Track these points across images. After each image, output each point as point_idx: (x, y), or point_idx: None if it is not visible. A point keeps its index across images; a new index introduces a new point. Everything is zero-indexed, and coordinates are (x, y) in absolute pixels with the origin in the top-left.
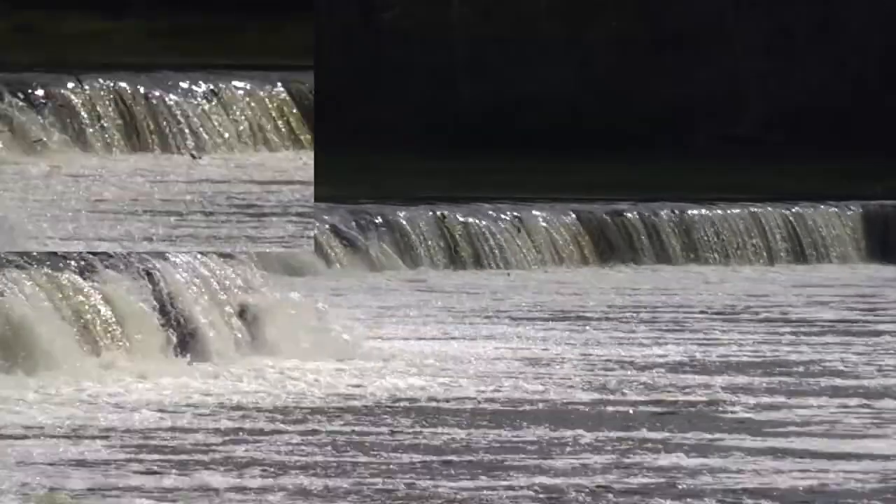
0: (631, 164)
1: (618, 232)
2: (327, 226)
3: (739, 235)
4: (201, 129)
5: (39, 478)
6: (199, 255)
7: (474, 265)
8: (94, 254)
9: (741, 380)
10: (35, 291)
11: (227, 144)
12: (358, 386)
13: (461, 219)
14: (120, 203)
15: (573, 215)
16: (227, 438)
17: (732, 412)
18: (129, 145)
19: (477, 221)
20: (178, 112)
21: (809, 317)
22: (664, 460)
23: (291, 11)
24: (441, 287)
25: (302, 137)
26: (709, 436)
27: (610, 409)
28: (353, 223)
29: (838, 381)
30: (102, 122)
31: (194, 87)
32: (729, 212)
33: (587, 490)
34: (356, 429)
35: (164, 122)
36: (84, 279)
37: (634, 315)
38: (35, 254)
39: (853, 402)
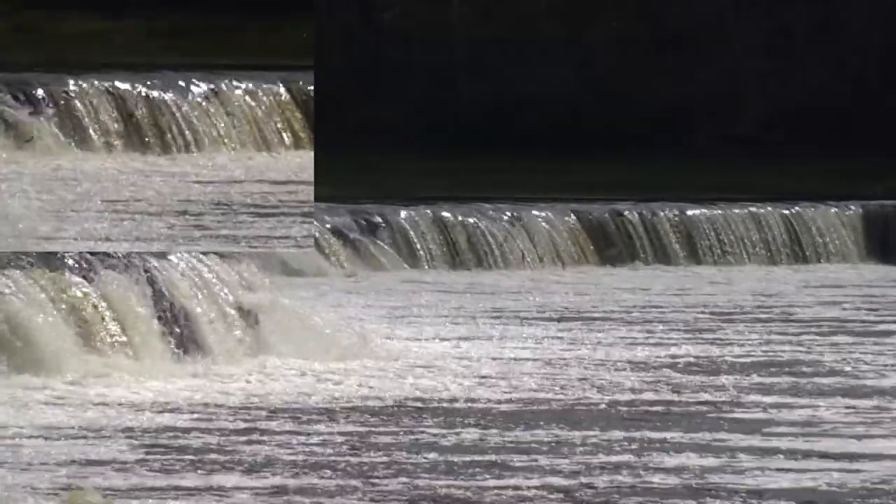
0: (631, 164)
1: (618, 232)
2: (327, 226)
3: (739, 235)
4: (201, 129)
5: (54, 477)
6: (199, 255)
7: (474, 265)
8: (94, 254)
9: (750, 380)
10: (35, 291)
11: (226, 144)
12: (365, 386)
13: (461, 219)
14: (120, 203)
15: (573, 215)
16: (240, 438)
17: (743, 412)
18: (129, 145)
19: (477, 221)
20: (178, 112)
21: (812, 317)
22: (675, 460)
23: (291, 11)
24: (442, 287)
25: (302, 137)
26: (719, 436)
27: (622, 409)
28: (353, 223)
29: (843, 382)
30: (102, 121)
31: (194, 87)
32: (729, 212)
33: (598, 490)
34: (369, 429)
35: (164, 122)
36: (84, 279)
37: (642, 315)
38: (35, 254)
39: (858, 402)
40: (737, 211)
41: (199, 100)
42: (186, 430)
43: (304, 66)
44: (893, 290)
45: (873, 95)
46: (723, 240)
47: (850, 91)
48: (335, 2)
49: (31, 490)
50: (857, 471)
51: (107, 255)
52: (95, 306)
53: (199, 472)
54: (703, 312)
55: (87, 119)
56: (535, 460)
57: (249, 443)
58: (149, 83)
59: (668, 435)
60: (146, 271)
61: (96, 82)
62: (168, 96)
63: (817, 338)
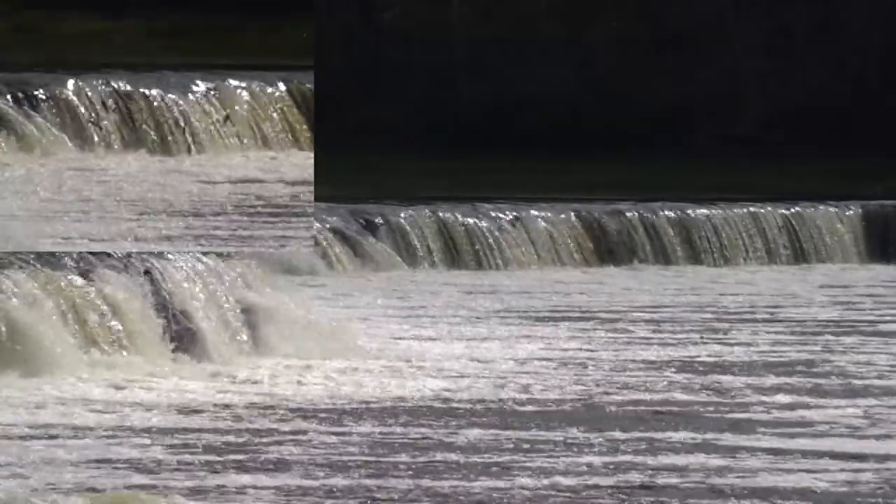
0: (631, 164)
1: (618, 232)
2: (327, 226)
3: (739, 235)
4: (201, 129)
5: (61, 477)
6: (199, 255)
7: (474, 265)
8: (94, 254)
9: (757, 380)
10: (35, 291)
11: (226, 144)
12: (368, 386)
13: (461, 219)
14: (120, 203)
15: (573, 215)
16: (241, 438)
17: (750, 412)
18: (129, 145)
19: (477, 221)
20: (178, 112)
21: (813, 317)
22: (685, 460)
23: (291, 11)
24: (443, 287)
25: (302, 137)
26: (727, 436)
27: (630, 409)
28: (353, 223)
29: (847, 382)
30: (102, 121)
31: (194, 87)
32: (729, 212)
33: (606, 490)
34: (380, 429)
35: (164, 122)
36: (84, 279)
37: (644, 315)
38: (35, 254)
39: (863, 402)
40: (737, 211)
41: (199, 100)
42: (187, 430)
43: (304, 66)
44: (894, 290)
45: (873, 95)
46: (723, 240)
47: (850, 91)
48: (335, 2)
49: (35, 490)
50: (864, 471)
51: (107, 255)
52: (95, 306)
53: (201, 472)
54: (705, 313)
55: (87, 119)
56: (547, 461)
57: (251, 443)
58: (149, 83)
59: (676, 435)
60: (146, 271)
61: (96, 82)
62: (168, 96)
63: (819, 338)
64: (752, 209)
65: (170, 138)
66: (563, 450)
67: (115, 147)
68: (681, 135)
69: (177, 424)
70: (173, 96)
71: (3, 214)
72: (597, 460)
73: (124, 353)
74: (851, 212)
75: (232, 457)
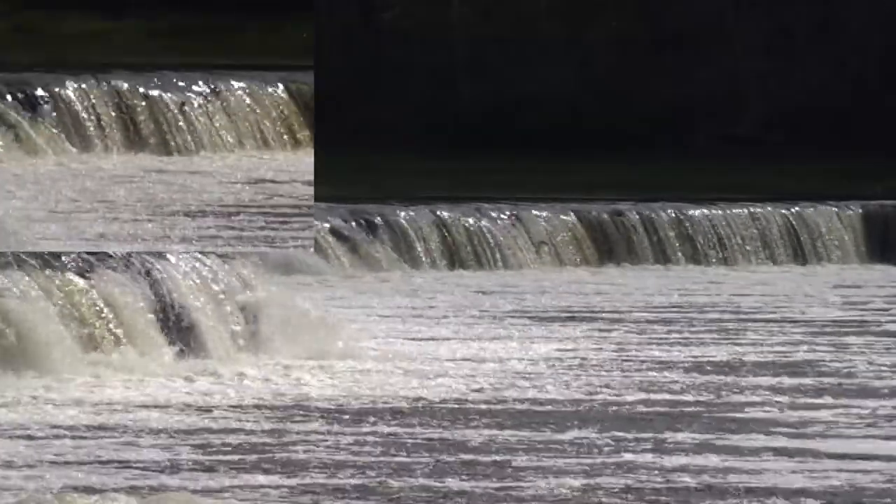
0: (631, 164)
1: (618, 232)
2: (327, 226)
3: (739, 235)
4: (201, 128)
5: (65, 477)
6: (198, 255)
7: (474, 265)
8: (94, 254)
9: (763, 380)
10: (35, 291)
11: (226, 144)
12: (369, 386)
13: (461, 219)
14: (119, 203)
15: (573, 215)
16: (243, 438)
17: (757, 412)
18: (129, 145)
19: (477, 221)
20: (178, 112)
21: (815, 317)
22: (693, 460)
23: (291, 11)
24: (444, 287)
25: (302, 137)
26: (734, 436)
27: (638, 409)
28: (353, 223)
29: (850, 382)
30: (102, 121)
31: (194, 87)
32: (729, 212)
33: (614, 490)
34: (387, 429)
35: (164, 122)
36: (84, 279)
37: (651, 315)
38: (35, 254)
39: (870, 402)
40: (737, 211)
41: (198, 100)
42: (188, 431)
43: (304, 66)
44: (894, 290)
45: (873, 95)
46: (723, 240)
47: (850, 91)
48: (335, 2)
49: (40, 491)
50: (871, 471)
51: (107, 255)
52: (95, 306)
53: (218, 472)
54: (708, 313)
55: (86, 119)
56: (557, 461)
57: (254, 442)
58: (149, 83)
59: (685, 435)
60: (146, 271)
61: (96, 82)
62: (168, 96)
63: (824, 338)
64: (752, 209)
65: (169, 138)
66: (579, 450)
67: (115, 147)
68: (681, 135)
69: (184, 425)
70: (173, 96)
71: (3, 214)
72: (607, 461)
73: (124, 353)
74: (851, 212)
75: (247, 457)
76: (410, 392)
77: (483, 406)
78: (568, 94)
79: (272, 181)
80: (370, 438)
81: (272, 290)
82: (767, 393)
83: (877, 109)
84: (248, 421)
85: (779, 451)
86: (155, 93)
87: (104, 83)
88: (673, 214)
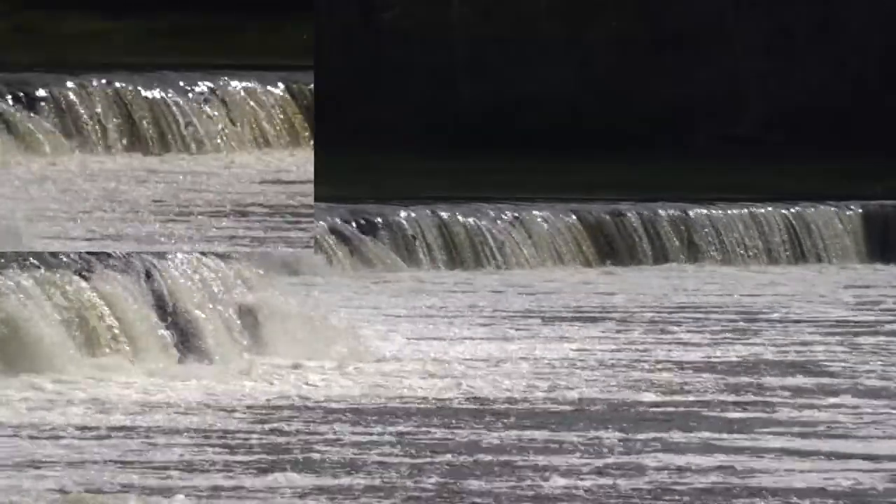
0: (631, 164)
1: (618, 232)
2: (327, 226)
3: (739, 235)
4: (201, 129)
5: (63, 478)
6: (199, 255)
7: (474, 265)
8: (94, 254)
9: (769, 381)
10: (35, 291)
11: (226, 144)
12: (369, 386)
13: (461, 219)
14: (119, 203)
15: (573, 215)
16: (244, 439)
17: (764, 413)
18: (129, 145)
19: (477, 221)
20: (178, 112)
21: (816, 317)
22: (702, 460)
23: (291, 11)
24: (444, 287)
25: (302, 137)
26: (743, 436)
27: (647, 409)
28: (353, 223)
29: (853, 382)
30: (102, 122)
31: (194, 87)
32: (729, 212)
33: (621, 491)
34: (398, 430)
35: (164, 122)
36: (84, 279)
37: (655, 316)
38: (35, 254)
39: (875, 402)
40: (737, 211)
41: (199, 100)
42: (188, 431)
43: (304, 66)
44: (894, 290)
45: (873, 95)
46: (723, 240)
47: (850, 91)
48: (335, 2)
49: (45, 490)
50: (867, 471)
51: (107, 255)
52: (95, 306)
53: (235, 472)
54: (712, 313)
55: (87, 119)
56: (568, 461)
57: (255, 443)
58: (149, 83)
59: (694, 435)
60: (146, 271)
61: (96, 82)
62: (168, 96)
63: (823, 338)
64: (752, 209)
65: (169, 138)
66: (589, 450)
67: (115, 147)
68: (681, 135)
69: (185, 425)
70: (173, 96)
71: (4, 214)
72: (620, 461)
73: (124, 353)
74: (851, 212)
75: (252, 457)
76: (422, 392)
77: (497, 406)
78: (568, 94)
79: (272, 181)
80: (386, 438)
81: (272, 291)
82: (779, 393)
83: (877, 109)
84: (251, 421)
85: (790, 452)
86: (155, 93)
87: (104, 83)
88: (673, 214)
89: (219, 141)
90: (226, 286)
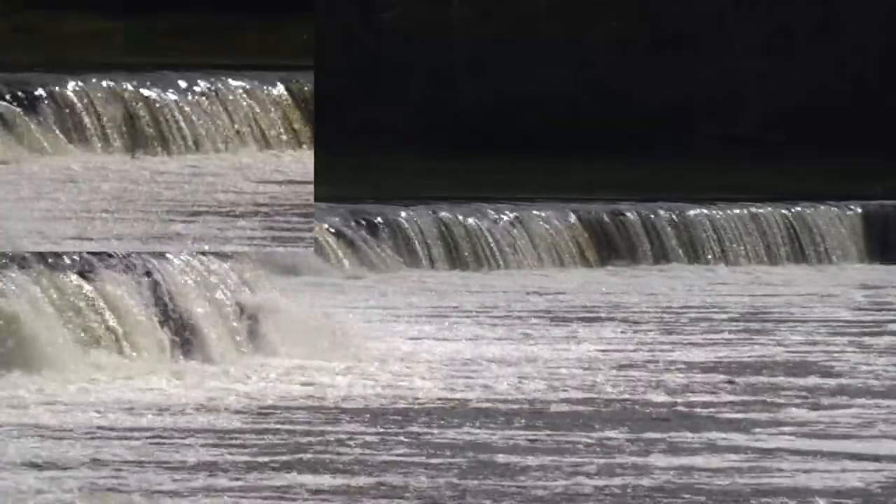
0: (631, 164)
1: (618, 232)
2: (327, 226)
3: (739, 235)
4: (201, 129)
5: (65, 478)
6: (199, 255)
7: (474, 265)
8: (94, 254)
9: (773, 381)
10: (35, 291)
11: (226, 144)
12: (368, 386)
13: (461, 219)
14: (120, 203)
15: (573, 215)
16: (247, 438)
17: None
18: (129, 145)
19: (477, 221)
20: (178, 112)
21: (816, 317)
22: (711, 460)
23: (291, 11)
24: (445, 287)
25: (302, 137)
26: (750, 437)
27: (655, 410)
28: (353, 223)
29: (854, 382)
30: (102, 122)
31: (194, 87)
32: (729, 212)
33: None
34: (407, 430)
35: (164, 122)
36: (84, 279)
37: (658, 316)
38: (35, 254)
39: (880, 402)
40: (737, 211)
41: (199, 100)
42: (189, 430)
43: (304, 66)
44: (894, 290)
45: (873, 95)
46: (723, 240)
47: (850, 91)
48: (335, 2)
49: (46, 491)
50: (884, 471)
51: (107, 255)
52: (95, 306)
53: (208, 472)
54: (714, 313)
55: (87, 119)
56: (577, 461)
57: (258, 443)
58: (149, 83)
59: (703, 436)
60: (146, 271)
61: (96, 82)
62: (168, 96)
63: (825, 338)
64: (752, 209)
65: (169, 138)
66: (597, 450)
67: (115, 147)
68: (681, 135)
69: (186, 425)
70: (173, 96)
71: (4, 214)
72: (628, 461)
73: (124, 353)
74: (851, 212)
75: (257, 458)
76: (431, 393)
77: (507, 406)
78: (568, 94)
79: (272, 181)
80: (399, 439)
81: (273, 291)
82: (787, 394)
83: (877, 109)
84: (254, 421)
85: (800, 453)
86: (155, 93)
87: (104, 83)
88: (673, 214)
89: (218, 141)
90: (226, 286)
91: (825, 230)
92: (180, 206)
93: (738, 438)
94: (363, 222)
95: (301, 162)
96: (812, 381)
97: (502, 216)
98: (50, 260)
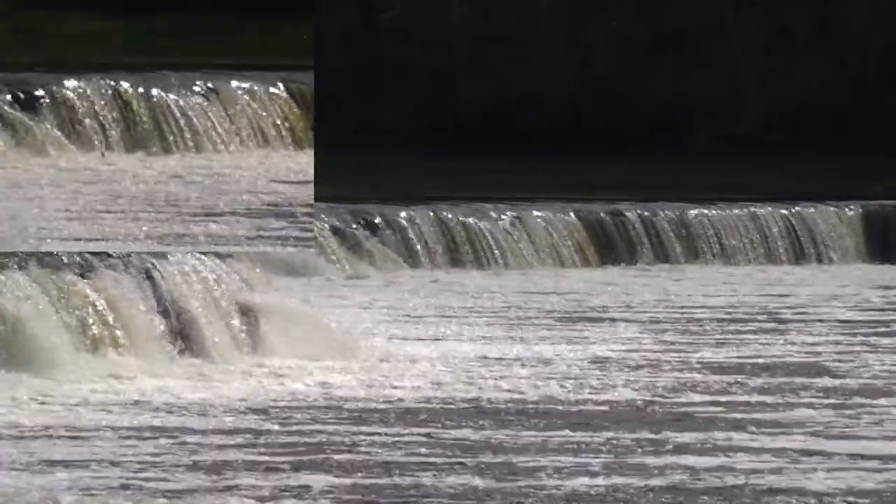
0: (631, 164)
1: (618, 232)
2: (327, 226)
3: (739, 235)
4: (201, 128)
5: (65, 479)
6: (199, 255)
7: (474, 265)
8: (94, 254)
9: (776, 381)
10: (35, 291)
11: (226, 144)
12: (368, 387)
13: (461, 219)
14: (120, 203)
15: (573, 215)
16: (246, 439)
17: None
18: (129, 145)
19: (477, 221)
20: (178, 112)
21: (816, 317)
22: (719, 461)
23: (291, 11)
24: (445, 287)
25: (302, 137)
26: (757, 437)
27: (659, 410)
28: (354, 223)
29: (856, 382)
30: (102, 122)
31: (194, 87)
32: (729, 212)
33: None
34: (396, 429)
35: (164, 122)
36: (84, 279)
37: (660, 316)
38: (35, 254)
39: (884, 402)
40: (737, 211)
41: (199, 100)
42: (189, 431)
43: (304, 66)
44: (894, 291)
45: (873, 95)
46: (723, 240)
47: (850, 91)
48: (335, 2)
49: (48, 491)
50: (867, 470)
51: (107, 255)
52: (95, 306)
53: (208, 472)
54: (716, 313)
55: (87, 119)
56: (585, 462)
57: (258, 443)
58: (149, 83)
59: (712, 435)
60: (146, 271)
61: (96, 82)
62: (168, 96)
63: (826, 338)
64: (752, 209)
65: (170, 138)
66: (601, 450)
67: (115, 147)
68: (681, 135)
69: (186, 425)
70: (173, 96)
71: (3, 214)
72: (635, 461)
73: (123, 353)
74: (851, 212)
75: (260, 458)
76: (435, 393)
77: (514, 407)
78: (568, 94)
79: (272, 181)
80: (408, 439)
81: (273, 291)
82: (794, 394)
83: (877, 109)
84: (256, 422)
85: (809, 453)
86: (155, 93)
87: (104, 83)
88: (673, 214)
89: (218, 141)
90: (226, 286)
91: (825, 230)
92: (181, 206)
93: (750, 439)
94: (363, 222)
95: (301, 162)
96: (819, 381)
97: (502, 216)
98: (50, 260)
